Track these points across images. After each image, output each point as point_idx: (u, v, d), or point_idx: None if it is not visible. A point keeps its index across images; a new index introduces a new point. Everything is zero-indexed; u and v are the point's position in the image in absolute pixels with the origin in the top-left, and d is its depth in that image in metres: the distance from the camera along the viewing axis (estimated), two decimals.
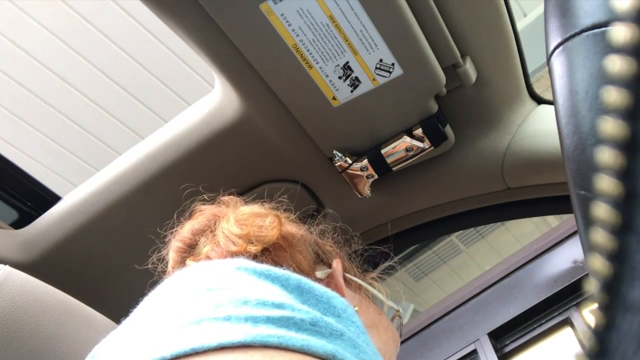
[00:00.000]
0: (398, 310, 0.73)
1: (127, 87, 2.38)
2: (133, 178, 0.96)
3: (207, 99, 0.93)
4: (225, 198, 0.69)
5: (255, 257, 0.57)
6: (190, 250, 0.63)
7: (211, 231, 0.62)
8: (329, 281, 0.61)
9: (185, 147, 0.93)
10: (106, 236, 1.02)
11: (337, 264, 0.62)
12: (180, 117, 0.95)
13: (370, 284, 0.70)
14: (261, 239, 0.58)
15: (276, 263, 0.57)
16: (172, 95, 2.46)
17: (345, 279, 0.64)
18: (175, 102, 2.46)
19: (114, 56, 2.28)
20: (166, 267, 0.66)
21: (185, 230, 0.64)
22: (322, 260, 0.65)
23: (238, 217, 0.61)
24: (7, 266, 0.64)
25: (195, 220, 0.65)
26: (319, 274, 0.61)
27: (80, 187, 1.01)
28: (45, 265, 1.02)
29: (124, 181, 0.97)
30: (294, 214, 0.69)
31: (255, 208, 0.64)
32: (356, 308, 0.60)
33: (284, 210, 0.69)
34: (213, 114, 0.91)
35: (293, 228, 0.64)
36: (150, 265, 0.70)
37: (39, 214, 1.04)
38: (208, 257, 0.59)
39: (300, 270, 0.59)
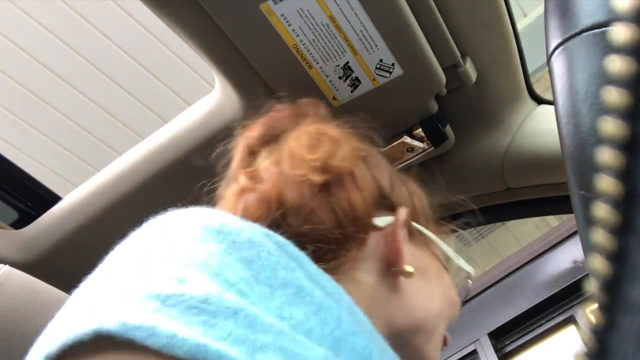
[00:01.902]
0: (468, 273, 0.63)
1: (127, 87, 2.38)
2: (133, 178, 0.96)
3: (207, 99, 0.93)
4: (306, 100, 0.59)
5: (314, 187, 0.50)
6: (252, 157, 0.55)
7: (278, 142, 0.54)
8: (388, 233, 0.52)
9: (185, 147, 0.93)
10: (106, 236, 1.01)
11: (401, 212, 0.53)
12: (181, 117, 0.95)
13: (442, 238, 0.60)
14: (331, 169, 0.50)
15: (328, 203, 0.49)
16: (172, 95, 2.46)
17: (411, 230, 0.55)
18: (175, 102, 2.46)
19: (114, 56, 2.27)
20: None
21: (260, 125, 0.57)
22: (388, 203, 0.54)
23: (311, 135, 0.53)
24: (7, 266, 0.64)
25: (272, 115, 0.57)
26: (379, 220, 0.52)
27: (80, 187, 1.01)
28: (45, 265, 1.02)
29: (124, 181, 0.97)
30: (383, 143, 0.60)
31: (333, 129, 0.55)
32: (411, 270, 0.50)
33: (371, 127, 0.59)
34: (213, 114, 0.91)
35: (368, 158, 0.55)
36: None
37: (39, 214, 1.04)
38: (262, 174, 0.51)
39: (355, 214, 0.50)
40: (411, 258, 0.52)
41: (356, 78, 0.80)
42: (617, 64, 0.20)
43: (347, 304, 0.37)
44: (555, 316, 2.25)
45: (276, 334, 0.30)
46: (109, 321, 0.30)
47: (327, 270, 0.44)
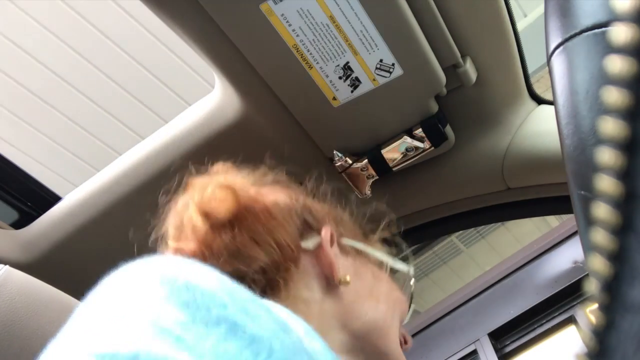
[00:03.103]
0: (408, 272, 0.69)
1: (127, 87, 2.38)
2: (133, 178, 0.96)
3: (207, 99, 0.93)
4: (216, 167, 0.65)
5: (228, 231, 0.54)
6: (180, 227, 0.60)
7: (188, 206, 0.59)
8: (318, 252, 0.57)
9: (186, 147, 0.93)
10: (106, 236, 1.02)
11: (325, 232, 0.58)
12: (181, 117, 0.95)
13: (372, 246, 0.66)
14: (224, 215, 0.55)
15: (251, 239, 0.55)
16: (172, 95, 2.46)
17: (340, 244, 0.61)
18: (175, 102, 2.46)
19: (114, 56, 2.27)
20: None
21: (179, 205, 0.62)
22: (312, 227, 0.60)
23: (210, 189, 0.57)
24: (7, 266, 0.64)
25: (187, 194, 0.62)
26: (307, 244, 0.58)
27: (80, 188, 1.01)
28: (45, 266, 1.02)
29: (124, 181, 0.97)
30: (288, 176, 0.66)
31: (228, 178, 0.60)
32: (348, 278, 0.56)
33: (275, 173, 0.65)
34: (213, 114, 0.91)
35: (277, 195, 0.60)
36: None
37: (39, 214, 1.04)
38: (187, 235, 0.56)
39: (279, 244, 0.55)
40: (346, 269, 0.58)
41: (356, 78, 0.80)
42: (617, 64, 0.20)
43: (282, 328, 0.39)
44: (555, 316, 2.25)
45: None
46: None
47: (275, 297, 0.50)
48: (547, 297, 2.25)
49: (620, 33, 0.20)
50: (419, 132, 0.87)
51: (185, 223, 0.58)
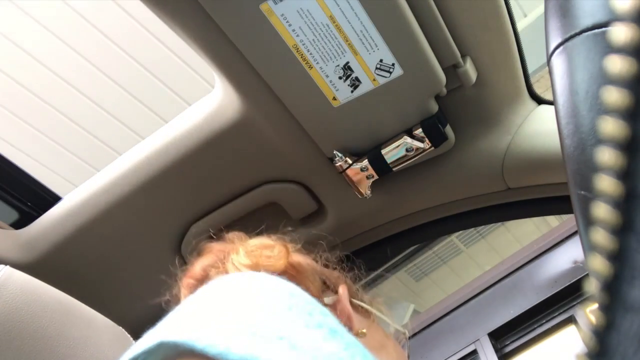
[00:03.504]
0: (404, 333, 0.75)
1: (127, 87, 2.38)
2: (133, 178, 0.96)
3: (207, 99, 0.93)
4: (231, 235, 0.71)
5: None
6: (200, 285, 0.64)
7: (222, 263, 0.64)
8: (335, 307, 0.63)
9: (186, 148, 0.93)
10: (107, 236, 1.02)
11: (343, 290, 0.64)
12: (181, 117, 0.96)
13: (376, 308, 0.72)
14: (270, 268, 0.60)
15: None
16: (172, 95, 2.46)
17: (352, 304, 0.66)
18: (175, 102, 2.46)
19: (114, 56, 2.28)
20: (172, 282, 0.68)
21: (196, 267, 0.67)
22: (328, 286, 0.67)
23: (247, 249, 0.64)
24: (7, 266, 0.64)
25: (204, 257, 0.67)
26: (327, 299, 0.63)
27: (80, 188, 1.02)
28: (45, 266, 1.02)
29: (125, 182, 0.97)
30: (299, 244, 0.71)
31: (263, 240, 0.66)
32: (364, 330, 0.62)
33: (290, 240, 0.70)
34: (213, 115, 0.91)
35: (300, 257, 0.66)
36: (158, 276, 0.71)
37: (39, 214, 1.04)
38: None
39: (311, 294, 0.61)
40: (359, 323, 0.64)
41: (356, 78, 0.80)
42: (617, 64, 0.20)
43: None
44: (555, 316, 2.25)
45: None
46: (174, 335, 0.37)
47: None
48: (547, 297, 2.25)
49: (620, 33, 0.20)
50: (419, 132, 0.87)
51: (230, 269, 0.62)
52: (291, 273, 0.62)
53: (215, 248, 0.68)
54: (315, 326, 0.39)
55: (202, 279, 0.64)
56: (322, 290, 0.66)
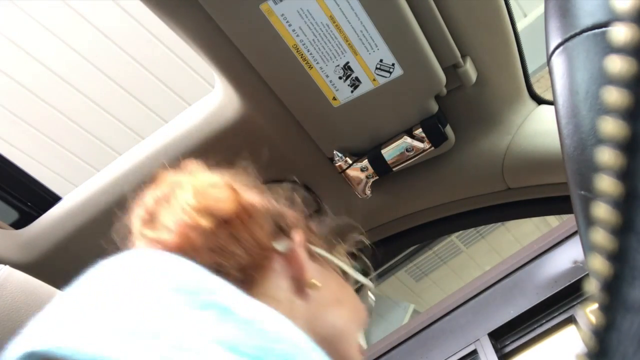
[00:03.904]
0: (368, 286, 0.72)
1: (127, 87, 2.38)
2: (134, 179, 0.96)
3: (207, 99, 0.93)
4: (186, 164, 0.67)
5: (210, 229, 0.57)
6: (152, 218, 0.62)
7: (166, 201, 0.61)
8: (289, 254, 0.60)
9: (186, 148, 0.93)
10: (106, 236, 1.01)
11: (297, 235, 0.61)
12: (181, 117, 0.95)
13: (337, 257, 0.69)
14: (216, 212, 0.57)
15: (231, 235, 0.57)
16: (172, 95, 2.46)
17: (309, 251, 0.63)
18: (175, 102, 2.46)
19: (114, 56, 2.27)
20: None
21: (147, 198, 0.64)
22: (284, 231, 0.62)
23: (196, 187, 0.60)
24: (7, 266, 0.64)
25: (155, 188, 0.64)
26: (278, 245, 0.60)
27: (80, 188, 1.01)
28: (45, 266, 1.02)
29: (125, 181, 0.97)
30: (261, 180, 0.68)
31: (212, 177, 0.62)
32: (315, 281, 0.59)
33: (248, 175, 0.67)
34: (213, 114, 0.91)
35: (254, 197, 0.62)
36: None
37: (39, 214, 1.04)
38: (166, 228, 0.58)
39: (257, 243, 0.58)
40: (314, 274, 0.61)
41: (356, 78, 0.80)
42: (617, 64, 0.20)
43: (267, 316, 0.41)
44: (556, 316, 2.25)
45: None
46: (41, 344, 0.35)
47: (250, 293, 0.51)
48: (547, 297, 2.24)
49: (620, 33, 0.20)
50: (419, 132, 0.87)
51: (168, 215, 0.58)
52: (241, 216, 0.58)
53: (167, 178, 0.64)
54: (201, 307, 0.37)
55: (152, 213, 0.62)
56: (275, 234, 0.61)
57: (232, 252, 0.56)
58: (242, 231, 0.58)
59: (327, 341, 0.57)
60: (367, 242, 0.77)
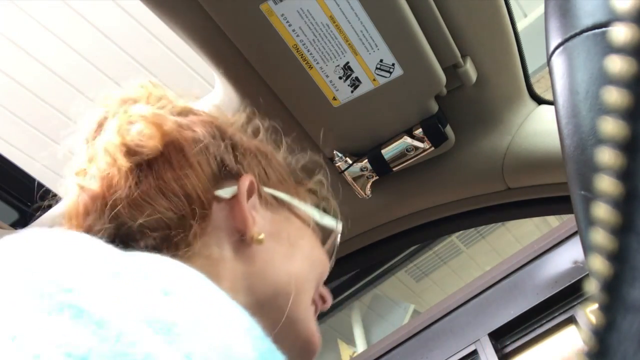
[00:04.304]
0: (335, 229, 0.63)
1: (127, 87, 2.38)
2: None
3: (207, 99, 0.93)
4: (139, 82, 0.59)
5: (136, 168, 0.49)
6: (81, 154, 0.54)
7: (99, 126, 0.53)
8: (233, 204, 0.51)
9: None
10: None
11: (243, 180, 0.52)
12: None
13: (300, 198, 0.60)
14: (136, 150, 0.48)
15: (158, 188, 0.49)
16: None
17: (262, 195, 0.55)
18: None
19: (114, 56, 2.28)
20: None
21: (92, 120, 0.56)
22: (230, 172, 0.54)
23: (125, 118, 0.51)
24: None
25: (103, 108, 0.56)
26: (222, 192, 0.52)
27: None
28: None
29: None
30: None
31: (145, 109, 0.52)
32: (262, 236, 0.50)
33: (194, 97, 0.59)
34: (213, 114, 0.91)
35: (197, 132, 0.53)
36: None
37: (39, 214, 1.04)
38: (90, 171, 0.51)
39: (188, 196, 0.49)
40: (264, 223, 0.53)
41: (356, 78, 0.80)
42: (617, 64, 0.20)
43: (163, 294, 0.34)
44: (556, 316, 2.25)
45: None
46: None
47: (177, 256, 0.44)
48: (547, 297, 2.24)
49: (620, 33, 0.20)
50: (419, 132, 0.87)
51: (98, 153, 0.51)
52: (169, 156, 0.50)
53: (114, 101, 0.56)
54: (56, 310, 0.30)
55: (100, 124, 0.54)
56: (218, 178, 0.53)
57: (155, 208, 0.48)
58: (170, 181, 0.49)
59: (269, 301, 0.50)
60: (325, 181, 0.66)
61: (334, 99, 0.83)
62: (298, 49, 0.78)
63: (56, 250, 0.35)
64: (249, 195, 0.53)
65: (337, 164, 0.92)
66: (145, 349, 0.29)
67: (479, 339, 2.34)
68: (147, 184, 0.49)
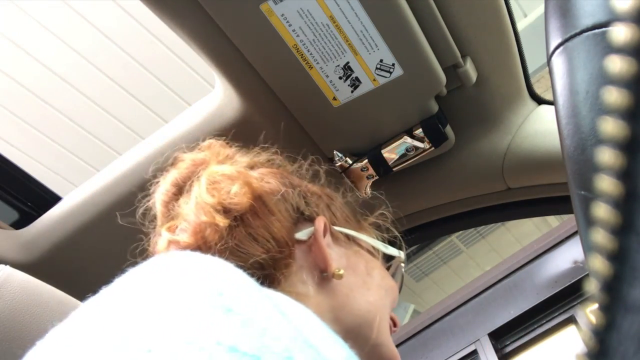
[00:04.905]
0: (398, 257, 0.68)
1: (127, 87, 2.38)
2: (134, 179, 0.96)
3: (207, 99, 0.93)
4: (206, 143, 0.64)
5: (225, 227, 0.54)
6: (169, 211, 0.59)
7: (187, 191, 0.59)
8: (310, 245, 0.57)
9: (186, 147, 0.93)
10: (107, 236, 1.01)
11: (319, 222, 0.58)
12: (181, 118, 0.95)
13: (364, 233, 0.64)
14: (231, 208, 0.54)
15: (249, 234, 0.54)
16: (172, 95, 2.46)
17: (333, 234, 0.60)
18: (175, 102, 2.46)
19: (114, 56, 2.28)
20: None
21: (168, 182, 0.61)
22: (306, 217, 0.59)
23: (210, 179, 0.57)
24: (7, 266, 0.64)
25: (176, 170, 0.61)
26: (300, 234, 0.57)
27: (80, 188, 1.01)
28: (45, 266, 1.02)
29: (125, 182, 0.97)
30: (283, 155, 0.65)
31: (226, 169, 0.58)
32: (342, 271, 0.55)
33: (275, 152, 0.64)
34: (213, 115, 0.91)
35: (272, 182, 0.58)
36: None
37: (39, 214, 1.04)
38: (182, 226, 0.55)
39: (275, 238, 0.55)
40: (339, 260, 0.58)
41: (356, 78, 0.80)
42: (617, 64, 0.20)
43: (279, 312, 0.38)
44: (556, 316, 2.25)
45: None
46: None
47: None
48: (547, 297, 2.25)
49: (620, 33, 0.20)
50: (419, 132, 0.87)
51: (190, 211, 0.56)
52: (257, 209, 0.55)
53: (187, 159, 0.61)
54: (212, 308, 0.34)
55: (175, 195, 0.59)
56: (296, 222, 0.58)
57: (250, 252, 0.53)
58: (259, 228, 0.54)
59: (355, 330, 0.55)
60: (390, 215, 0.71)
61: (334, 99, 0.83)
62: (298, 49, 0.78)
63: (213, 266, 0.39)
64: (324, 235, 0.58)
65: (337, 164, 0.92)
66: (284, 344, 0.33)
67: (478, 339, 2.34)
68: (239, 233, 0.54)
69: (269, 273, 0.53)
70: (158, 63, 2.35)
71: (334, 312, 0.55)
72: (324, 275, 0.56)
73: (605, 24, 0.33)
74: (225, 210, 0.54)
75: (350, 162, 0.91)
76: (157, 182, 0.63)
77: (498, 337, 2.35)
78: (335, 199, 0.66)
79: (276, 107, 0.87)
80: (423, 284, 4.71)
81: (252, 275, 0.50)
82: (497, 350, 2.29)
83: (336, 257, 0.57)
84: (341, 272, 0.56)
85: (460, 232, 3.86)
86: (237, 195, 0.54)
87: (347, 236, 0.62)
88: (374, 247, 0.65)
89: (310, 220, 0.59)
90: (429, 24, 0.77)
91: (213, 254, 0.51)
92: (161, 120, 2.49)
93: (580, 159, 0.34)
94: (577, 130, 0.35)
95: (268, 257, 0.54)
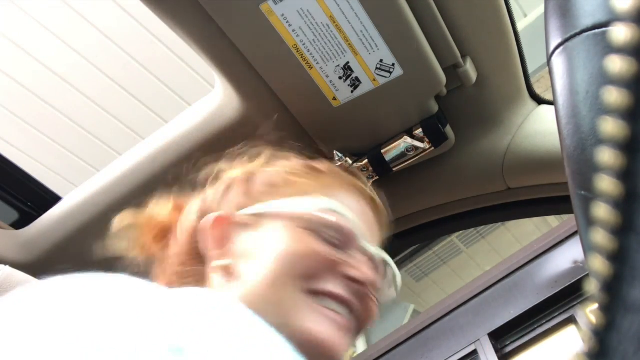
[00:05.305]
0: (325, 209, 0.58)
1: (127, 87, 2.38)
2: (134, 179, 0.96)
3: (207, 99, 0.93)
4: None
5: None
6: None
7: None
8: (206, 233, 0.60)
9: (186, 148, 0.93)
10: (106, 237, 1.01)
11: (204, 223, 0.60)
12: (181, 118, 0.95)
13: (294, 192, 0.60)
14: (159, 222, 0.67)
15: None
16: (172, 95, 2.46)
17: (233, 222, 0.59)
18: (176, 102, 2.46)
19: (114, 56, 2.27)
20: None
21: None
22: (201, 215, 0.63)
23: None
24: (7, 266, 0.64)
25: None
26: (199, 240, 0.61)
27: (80, 188, 1.01)
28: (45, 266, 1.02)
29: (125, 182, 0.97)
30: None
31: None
32: (227, 262, 0.56)
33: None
34: (213, 115, 0.91)
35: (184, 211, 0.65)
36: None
37: (39, 214, 1.04)
38: None
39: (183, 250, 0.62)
40: (237, 246, 0.57)
41: (356, 78, 0.80)
42: (617, 64, 0.20)
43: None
44: (556, 316, 2.24)
45: None
46: None
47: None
48: (547, 297, 2.24)
49: (620, 33, 0.20)
50: (419, 132, 0.87)
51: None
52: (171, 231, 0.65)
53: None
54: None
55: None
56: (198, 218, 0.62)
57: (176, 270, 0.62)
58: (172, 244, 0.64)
59: (267, 315, 0.48)
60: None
61: (334, 99, 0.83)
62: (298, 49, 0.77)
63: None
64: (214, 231, 0.59)
65: (337, 164, 0.92)
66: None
67: (479, 339, 2.33)
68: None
69: (195, 280, 0.59)
70: (158, 63, 2.35)
71: (244, 300, 0.51)
72: (224, 270, 0.57)
73: (605, 24, 0.33)
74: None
75: (350, 162, 0.91)
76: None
77: (498, 337, 2.34)
78: (258, 173, 0.62)
79: (276, 107, 0.87)
80: (423, 284, 4.71)
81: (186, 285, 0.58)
82: (497, 350, 2.29)
83: (229, 247, 0.58)
84: (227, 262, 0.56)
85: (460, 232, 3.86)
86: (159, 208, 0.70)
87: (257, 215, 0.59)
88: (301, 211, 0.58)
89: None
90: (428, 24, 0.77)
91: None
92: (161, 120, 2.49)
93: (580, 159, 0.34)
94: (577, 130, 0.35)
95: (188, 269, 0.61)
